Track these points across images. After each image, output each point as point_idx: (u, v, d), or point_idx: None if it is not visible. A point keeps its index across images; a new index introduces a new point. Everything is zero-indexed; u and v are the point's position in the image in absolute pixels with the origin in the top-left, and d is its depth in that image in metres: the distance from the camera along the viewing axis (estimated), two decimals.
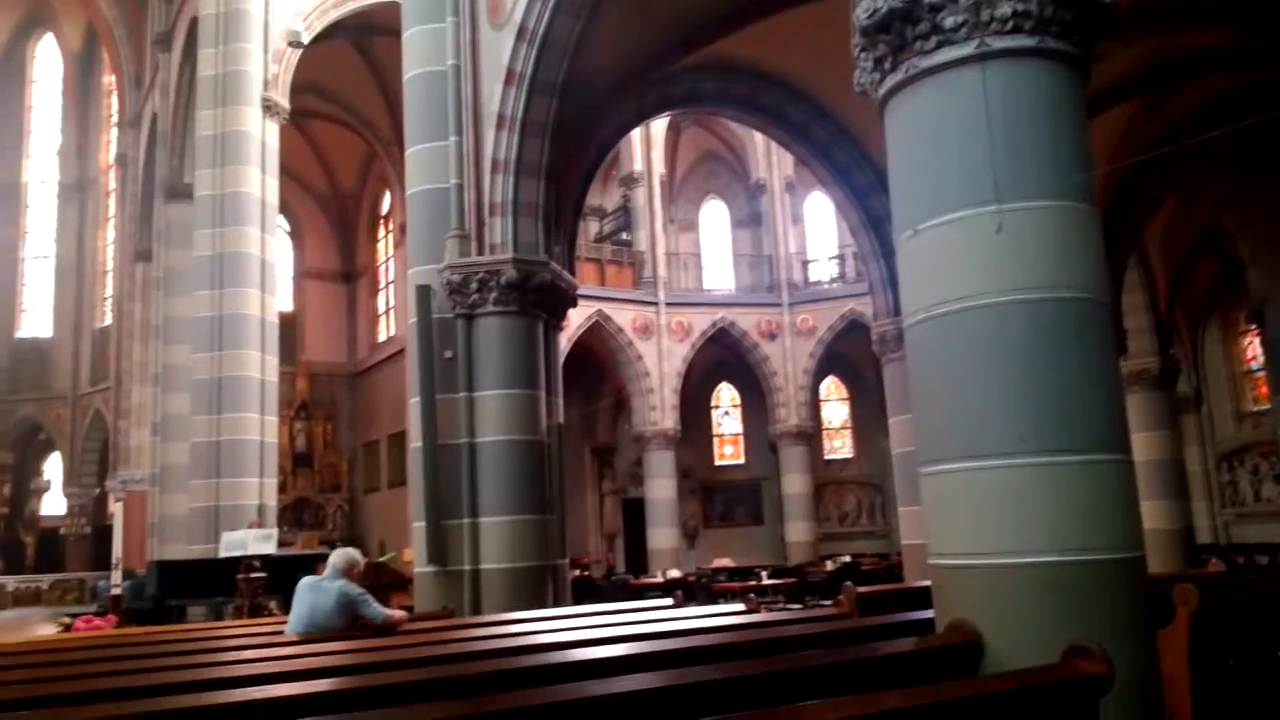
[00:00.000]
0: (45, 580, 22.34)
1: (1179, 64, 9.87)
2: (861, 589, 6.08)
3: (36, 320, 29.12)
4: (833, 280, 23.19)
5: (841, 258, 23.06)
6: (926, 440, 4.27)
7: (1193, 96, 10.36)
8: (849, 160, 11.35)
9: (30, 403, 27.96)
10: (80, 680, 4.14)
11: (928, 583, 5.23)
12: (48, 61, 30.16)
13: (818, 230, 24.25)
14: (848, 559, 18.43)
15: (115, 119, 27.90)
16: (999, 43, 4.17)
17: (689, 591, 12.20)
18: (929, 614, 4.74)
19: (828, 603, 9.09)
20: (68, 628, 12.52)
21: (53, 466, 28.47)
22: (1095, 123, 5.30)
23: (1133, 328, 14.43)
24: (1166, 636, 4.22)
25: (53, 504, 27.53)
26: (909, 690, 3.12)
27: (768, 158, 22.90)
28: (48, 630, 13.88)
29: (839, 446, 24.88)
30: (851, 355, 22.71)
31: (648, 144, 22.21)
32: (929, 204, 4.23)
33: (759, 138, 21.75)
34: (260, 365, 14.65)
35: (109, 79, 28.25)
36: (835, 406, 25.10)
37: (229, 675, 4.22)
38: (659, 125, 21.85)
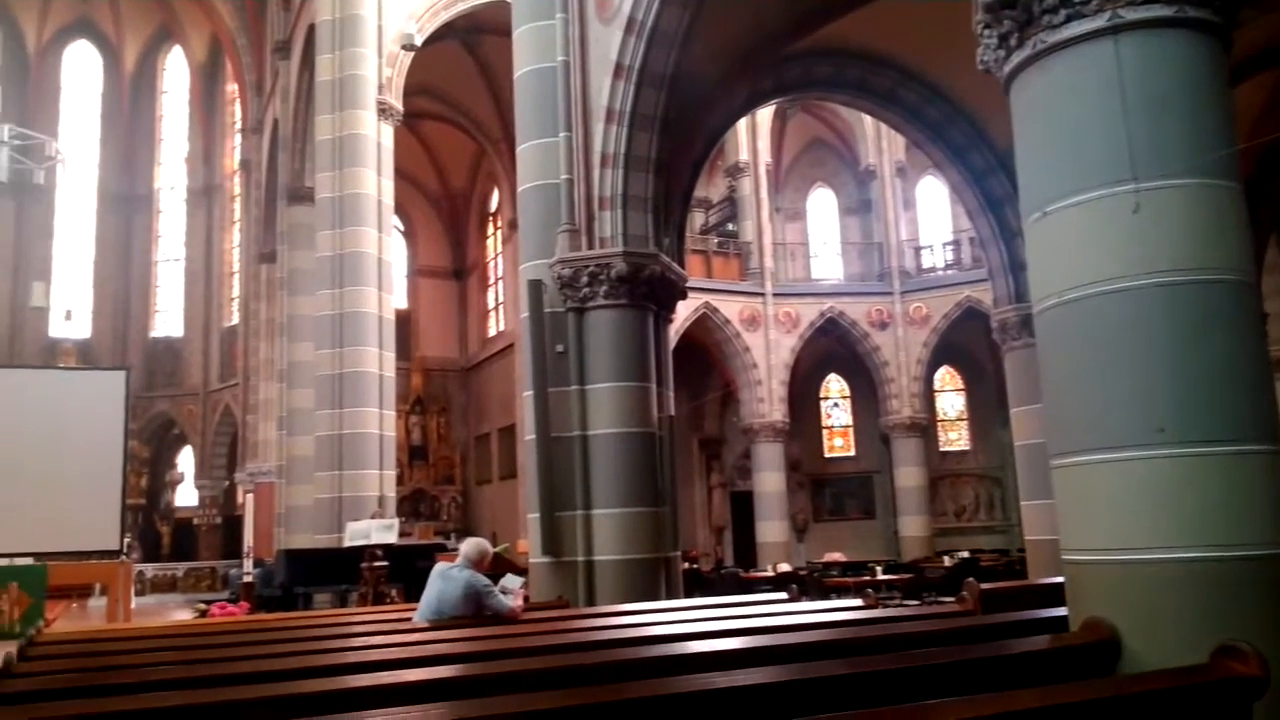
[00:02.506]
0: (180, 568, 23.48)
1: None
2: (984, 585, 5.91)
3: (169, 320, 30.64)
4: (947, 267, 22.54)
5: (956, 243, 22.42)
6: (1059, 431, 4.10)
7: None
8: (965, 141, 11.02)
9: (164, 399, 29.46)
10: (225, 663, 4.33)
11: (1055, 579, 5.05)
12: (176, 73, 31.68)
13: (931, 216, 23.66)
14: (966, 554, 17.91)
15: (238, 126, 29.14)
16: (1133, 14, 3.97)
17: (801, 586, 12.06)
18: (1058, 612, 4.58)
19: (948, 599, 8.88)
20: (204, 613, 13.14)
21: (185, 460, 29.94)
22: (1234, 94, 5.01)
23: (1275, 311, 13.62)
24: None
25: (186, 495, 28.96)
26: (1046, 689, 3.00)
27: (877, 143, 22.43)
28: (185, 615, 14.61)
29: (955, 438, 24.23)
30: (968, 344, 22.10)
31: (753, 133, 22.02)
32: (1059, 184, 4.06)
33: (868, 122, 21.33)
34: (378, 361, 15.10)
35: (232, 87, 29.50)
36: (950, 397, 24.46)
37: (360, 660, 4.36)
38: (765, 113, 21.62)
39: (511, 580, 6.50)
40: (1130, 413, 3.79)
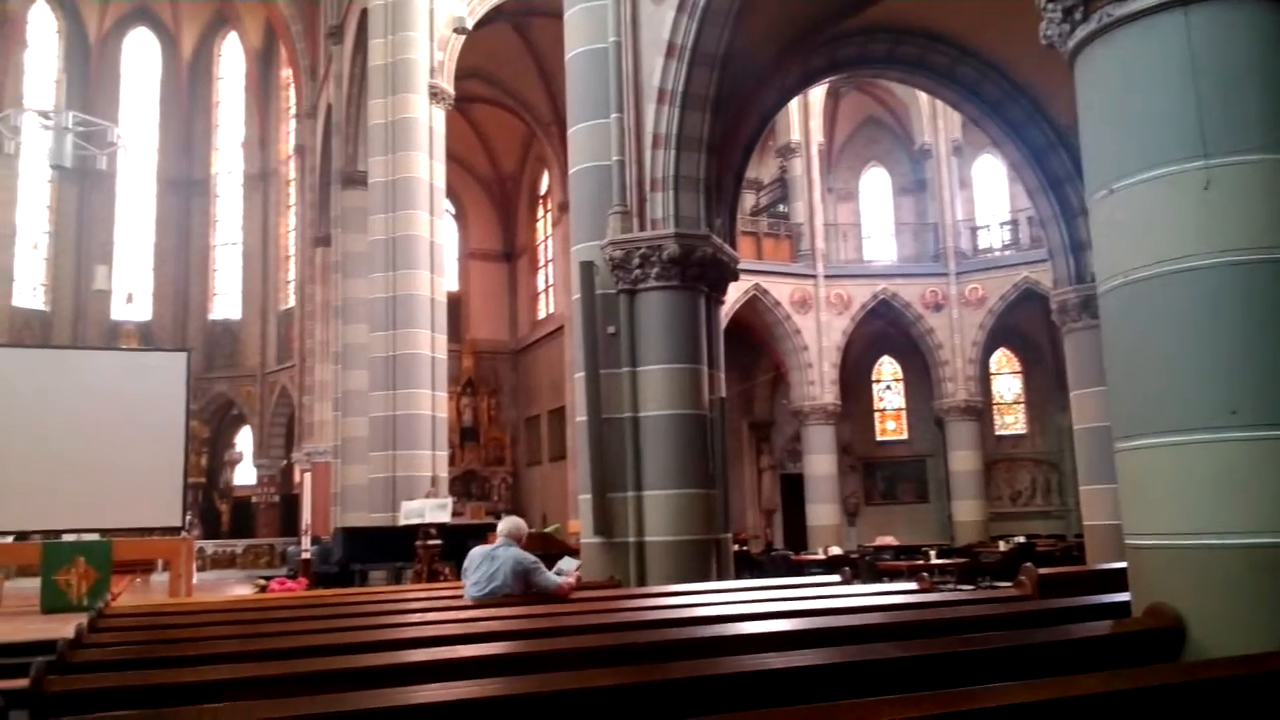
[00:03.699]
0: (239, 545, 23.98)
1: None
2: (1042, 570, 5.82)
3: (227, 303, 31.18)
4: (1004, 247, 22.11)
5: (1014, 223, 21.97)
6: (1124, 413, 4.01)
7: None
8: (1024, 117, 10.77)
9: (223, 380, 30.02)
10: (285, 637, 4.41)
11: (1114, 565, 4.95)
12: (232, 59, 32.10)
13: (988, 195, 23.23)
14: (1021, 540, 17.68)
15: (293, 111, 29.45)
16: None
17: (853, 569, 12.00)
18: (1117, 597, 4.50)
19: (1004, 584, 8.77)
20: (263, 589, 13.40)
21: (244, 440, 30.52)
22: None
23: None
24: None
25: (244, 474, 29.55)
26: (1111, 674, 2.94)
27: (933, 121, 22.02)
28: (245, 590, 14.93)
29: (1011, 422, 23.82)
30: (1025, 326, 21.72)
31: (805, 112, 21.75)
32: (1126, 161, 3.96)
33: (924, 100, 20.97)
34: (431, 343, 15.22)
35: (287, 73, 29.84)
36: (1007, 380, 24.05)
37: (416, 636, 4.42)
38: (817, 92, 21.35)
39: (568, 562, 6.56)
40: (1200, 395, 3.70)
